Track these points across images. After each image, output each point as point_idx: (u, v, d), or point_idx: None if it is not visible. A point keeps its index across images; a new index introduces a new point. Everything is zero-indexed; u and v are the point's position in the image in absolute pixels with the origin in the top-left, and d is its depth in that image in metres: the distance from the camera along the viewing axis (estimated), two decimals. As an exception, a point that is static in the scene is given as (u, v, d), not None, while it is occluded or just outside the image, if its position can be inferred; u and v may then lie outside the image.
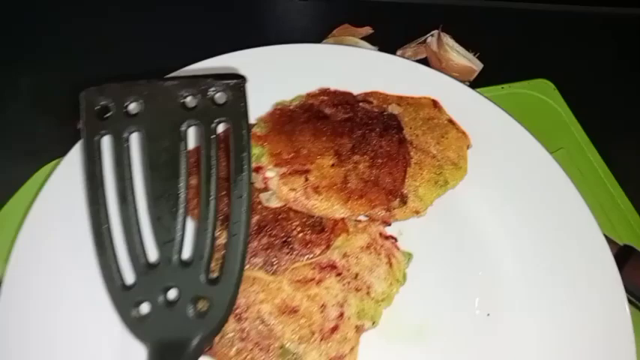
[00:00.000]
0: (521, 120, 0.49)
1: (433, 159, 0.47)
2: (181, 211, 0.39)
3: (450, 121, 0.49)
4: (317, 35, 0.61)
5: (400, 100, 0.50)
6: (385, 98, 0.50)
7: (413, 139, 0.47)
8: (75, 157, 0.44)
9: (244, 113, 0.39)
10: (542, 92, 0.58)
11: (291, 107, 0.48)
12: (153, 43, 0.60)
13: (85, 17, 0.62)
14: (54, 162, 0.47)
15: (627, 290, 0.42)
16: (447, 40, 0.61)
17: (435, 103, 0.50)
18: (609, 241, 0.45)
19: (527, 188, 0.46)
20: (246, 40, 0.52)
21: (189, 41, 0.59)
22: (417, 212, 0.44)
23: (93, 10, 0.63)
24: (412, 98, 0.50)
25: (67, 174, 0.44)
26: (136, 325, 0.38)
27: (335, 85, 0.50)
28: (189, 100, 0.40)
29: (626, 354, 0.40)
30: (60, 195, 0.43)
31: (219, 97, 0.39)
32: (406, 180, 0.45)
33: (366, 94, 0.50)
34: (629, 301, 0.43)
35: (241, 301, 0.40)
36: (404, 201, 0.44)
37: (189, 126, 0.40)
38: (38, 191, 0.43)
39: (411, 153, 0.46)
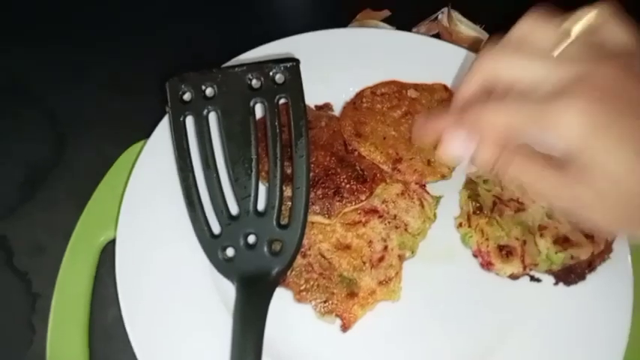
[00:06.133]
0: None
1: None
2: (254, 171, 0.48)
3: None
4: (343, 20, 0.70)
5: (416, 86, 0.58)
6: (403, 85, 0.58)
7: None
8: (160, 135, 0.53)
9: (300, 89, 0.48)
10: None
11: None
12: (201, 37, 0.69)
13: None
14: (139, 143, 0.56)
15: None
16: (456, 15, 0.68)
17: (445, 88, 0.58)
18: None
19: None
20: (280, 29, 0.61)
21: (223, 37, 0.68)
22: (444, 176, 0.53)
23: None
24: (426, 84, 0.58)
25: (156, 148, 0.53)
26: (224, 266, 0.47)
27: (365, 64, 0.59)
28: (255, 82, 0.49)
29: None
30: (153, 166, 0.52)
31: (279, 77, 0.49)
32: (432, 151, 0.52)
33: (386, 82, 0.58)
34: None
35: (305, 241, 0.49)
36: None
37: (255, 103, 0.49)
38: (133, 165, 0.53)
39: None
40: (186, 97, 0.49)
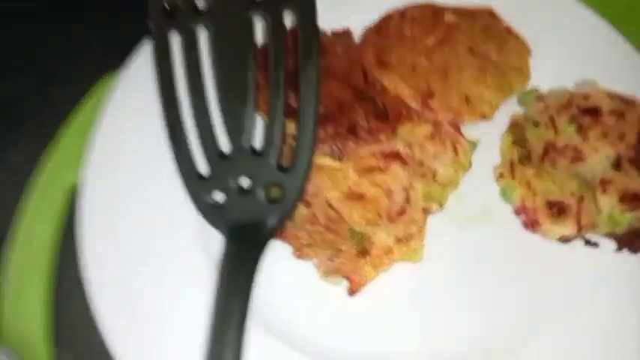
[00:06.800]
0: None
1: (495, 65, 0.47)
2: (252, 102, 0.40)
3: (508, 29, 0.48)
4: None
5: (456, 10, 0.49)
6: (439, 9, 0.49)
7: (473, 47, 0.47)
8: (140, 57, 0.46)
9: (311, 1, 0.39)
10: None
11: None
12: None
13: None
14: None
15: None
16: None
17: (491, 13, 0.49)
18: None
19: (601, 73, 0.46)
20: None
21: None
22: (484, 116, 0.45)
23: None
24: (467, 9, 0.49)
25: (134, 73, 0.45)
26: (211, 213, 0.40)
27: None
28: (255, -9, 0.40)
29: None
30: (130, 93, 0.45)
31: (285, -14, 0.40)
32: (471, 85, 0.45)
33: (418, 5, 0.49)
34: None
35: (310, 188, 0.42)
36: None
37: (255, 17, 0.40)
38: (108, 95, 0.45)
39: (472, 59, 0.47)
40: (172, 9, 0.41)
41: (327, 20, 0.46)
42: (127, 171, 0.43)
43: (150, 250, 0.41)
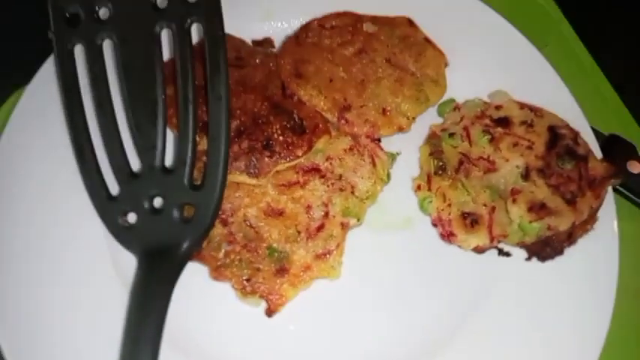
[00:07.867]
0: (508, 18, 0.49)
1: (412, 76, 0.46)
2: (161, 117, 0.39)
3: (426, 39, 0.48)
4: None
5: (375, 19, 0.49)
6: (359, 17, 0.48)
7: (390, 57, 0.47)
8: (44, 76, 0.44)
9: (217, 9, 0.38)
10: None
11: None
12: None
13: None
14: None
15: (615, 176, 0.43)
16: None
17: (410, 22, 0.49)
18: (595, 131, 0.46)
19: (514, 84, 0.46)
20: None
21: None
22: (401, 128, 0.44)
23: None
24: (387, 18, 0.49)
25: (38, 92, 0.43)
26: (124, 235, 0.39)
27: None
28: (160, 1, 0.38)
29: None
30: (34, 112, 0.43)
31: (190, -5, 0.38)
32: (388, 97, 0.45)
33: (338, 14, 0.48)
34: (615, 190, 0.45)
35: (226, 206, 0.41)
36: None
37: (161, 28, 0.39)
38: (12, 113, 0.43)
39: (389, 70, 0.46)
40: (73, 18, 0.39)
41: (250, 30, 0.47)
42: (34, 191, 0.41)
43: (60, 275, 0.39)
